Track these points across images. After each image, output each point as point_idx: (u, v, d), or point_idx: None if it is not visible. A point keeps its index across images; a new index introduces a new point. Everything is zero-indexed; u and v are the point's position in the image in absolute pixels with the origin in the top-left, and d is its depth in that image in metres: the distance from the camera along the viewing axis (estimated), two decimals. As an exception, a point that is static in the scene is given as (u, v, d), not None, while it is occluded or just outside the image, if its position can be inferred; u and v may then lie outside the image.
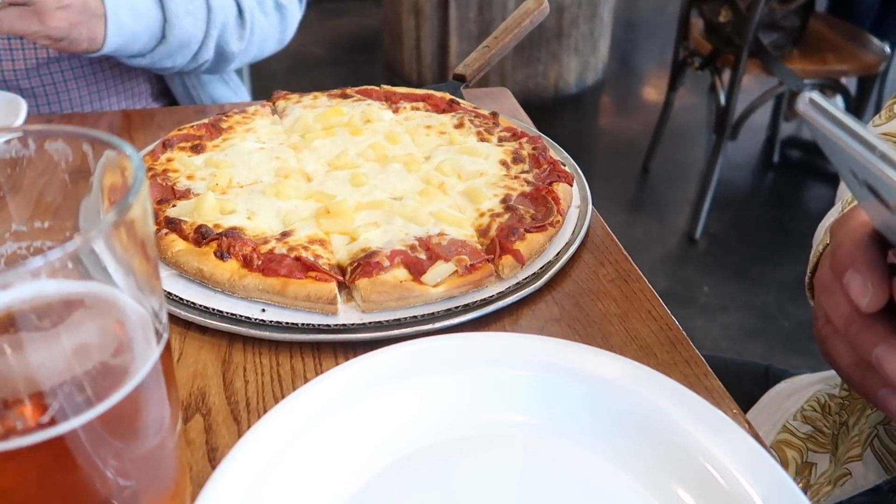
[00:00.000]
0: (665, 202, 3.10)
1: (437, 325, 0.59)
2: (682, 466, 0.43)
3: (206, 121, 0.85)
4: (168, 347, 0.38)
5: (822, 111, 0.38)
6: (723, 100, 2.65)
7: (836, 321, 0.46)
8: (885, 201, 0.38)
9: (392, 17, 3.98)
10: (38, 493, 0.34)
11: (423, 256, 0.62)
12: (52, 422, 0.32)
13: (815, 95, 0.39)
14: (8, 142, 0.36)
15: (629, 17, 5.17)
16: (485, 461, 0.47)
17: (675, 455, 0.43)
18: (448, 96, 0.92)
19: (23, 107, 0.86)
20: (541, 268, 0.65)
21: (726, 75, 2.62)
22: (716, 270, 2.66)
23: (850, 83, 2.78)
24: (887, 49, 2.66)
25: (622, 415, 0.47)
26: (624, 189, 3.17)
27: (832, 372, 0.82)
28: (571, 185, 0.75)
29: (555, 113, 3.84)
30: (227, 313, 0.59)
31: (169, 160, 0.77)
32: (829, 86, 2.74)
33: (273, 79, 3.59)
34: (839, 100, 2.87)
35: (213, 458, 0.49)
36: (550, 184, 0.73)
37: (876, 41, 2.67)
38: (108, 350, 0.35)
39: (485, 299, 0.61)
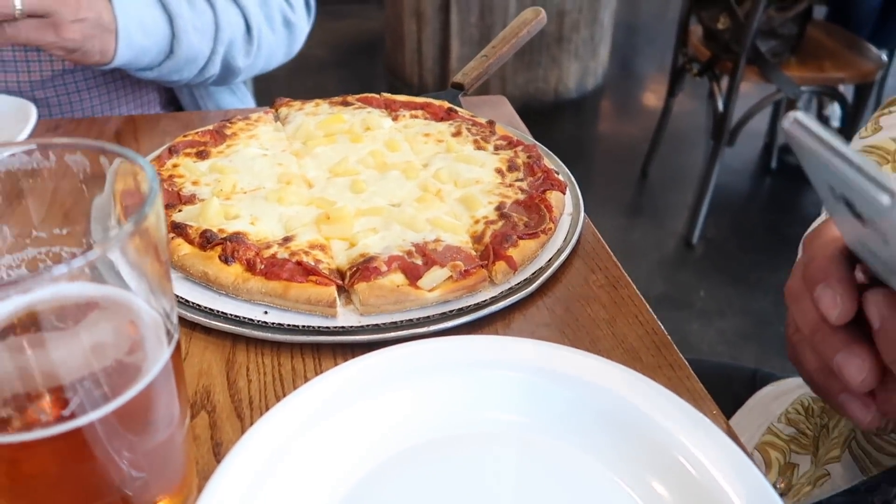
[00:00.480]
0: (663, 207, 3.13)
1: (432, 328, 0.61)
2: (658, 461, 0.45)
3: (210, 127, 0.88)
4: (178, 347, 0.40)
5: (805, 129, 0.41)
6: (721, 106, 2.68)
7: (803, 328, 0.48)
8: (860, 214, 0.40)
9: (394, 21, 4.01)
10: (58, 482, 0.37)
11: (419, 262, 0.64)
12: (72, 415, 0.34)
13: (800, 115, 0.42)
14: (30, 154, 0.39)
15: (630, 23, 5.20)
16: (476, 457, 0.49)
17: (653, 451, 0.46)
18: (446, 104, 0.95)
19: (33, 112, 0.89)
20: (533, 273, 0.68)
21: (725, 82, 2.65)
22: (712, 275, 2.68)
23: (848, 92, 2.81)
24: (884, 57, 2.69)
25: (605, 414, 0.49)
26: (622, 193, 3.20)
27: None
28: (564, 194, 0.77)
29: (555, 117, 3.87)
30: (231, 315, 0.62)
31: (175, 166, 0.80)
32: (827, 93, 2.77)
33: (275, 81, 3.62)
34: (836, 107, 2.89)
35: (218, 452, 0.51)
36: (544, 192, 0.75)
37: (873, 49, 2.69)
38: (123, 349, 0.38)
39: (478, 303, 0.64)
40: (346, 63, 4.47)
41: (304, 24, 1.24)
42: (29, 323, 0.34)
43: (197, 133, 0.86)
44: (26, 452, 0.35)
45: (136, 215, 0.34)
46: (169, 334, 0.39)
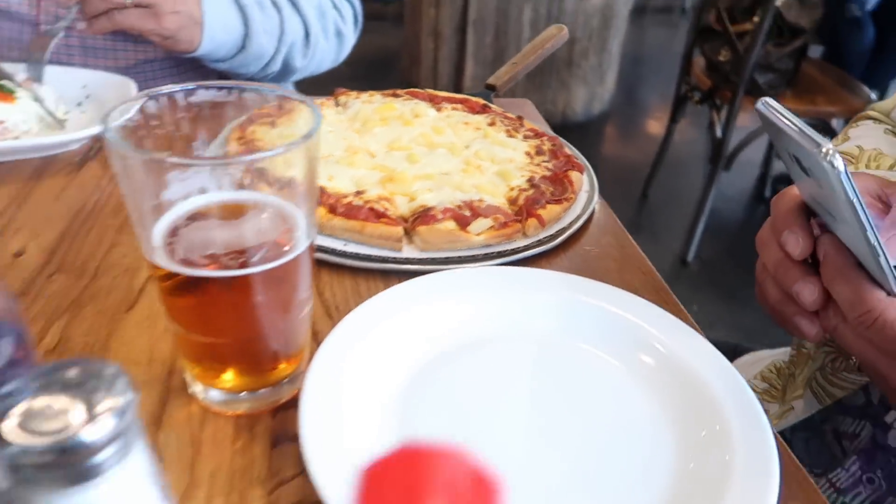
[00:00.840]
0: (661, 226, 3.30)
1: (478, 265, 0.76)
2: (647, 348, 0.63)
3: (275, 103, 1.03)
4: (312, 244, 0.55)
5: (772, 109, 0.57)
6: (719, 132, 2.86)
7: (769, 266, 0.63)
8: (807, 170, 0.56)
9: (412, 39, 4.20)
10: (229, 312, 0.52)
11: (467, 214, 0.80)
12: (247, 266, 0.49)
13: (769, 100, 0.58)
14: (220, 90, 0.54)
15: (636, 53, 5.41)
16: (512, 352, 0.64)
17: (645, 343, 0.64)
18: (481, 101, 1.11)
19: (133, 87, 1.04)
20: (557, 231, 0.83)
21: (724, 111, 2.83)
22: (705, 291, 2.84)
23: (839, 127, 2.98)
24: (874, 96, 2.87)
25: (614, 321, 0.65)
26: (623, 212, 3.34)
27: (787, 348, 1.00)
28: (582, 174, 0.93)
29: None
30: (318, 246, 0.77)
31: (252, 132, 0.95)
32: (820, 126, 2.95)
33: (301, 90, 3.79)
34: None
35: (317, 339, 0.66)
36: (566, 171, 0.91)
37: (864, 87, 2.87)
38: (279, 232, 0.53)
39: (514, 249, 0.79)
40: (364, 78, 4.65)
41: (351, 36, 1.42)
42: (221, 211, 0.50)
43: (265, 108, 1.01)
44: (217, 283, 0.50)
45: (306, 135, 0.49)
46: (308, 233, 0.54)
